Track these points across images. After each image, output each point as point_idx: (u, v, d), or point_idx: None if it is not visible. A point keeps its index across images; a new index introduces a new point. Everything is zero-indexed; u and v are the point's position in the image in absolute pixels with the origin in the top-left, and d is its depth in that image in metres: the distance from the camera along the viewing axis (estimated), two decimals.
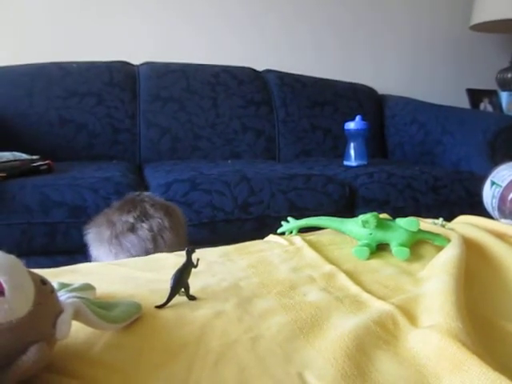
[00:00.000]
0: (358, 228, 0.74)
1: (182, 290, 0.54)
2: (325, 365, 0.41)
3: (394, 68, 2.54)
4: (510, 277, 0.65)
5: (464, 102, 2.42)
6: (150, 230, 0.97)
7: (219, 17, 2.25)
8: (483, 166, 1.68)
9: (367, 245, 0.71)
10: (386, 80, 2.46)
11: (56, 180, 1.32)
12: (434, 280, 0.57)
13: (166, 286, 0.52)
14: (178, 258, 0.66)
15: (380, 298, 0.55)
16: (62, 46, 2.04)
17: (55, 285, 0.45)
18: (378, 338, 0.46)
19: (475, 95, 2.46)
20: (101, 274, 0.64)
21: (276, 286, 0.59)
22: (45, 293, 0.38)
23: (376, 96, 2.31)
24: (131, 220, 0.97)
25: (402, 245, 0.70)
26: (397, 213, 0.91)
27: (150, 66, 2.01)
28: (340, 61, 2.44)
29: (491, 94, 2.48)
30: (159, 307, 0.52)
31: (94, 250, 0.97)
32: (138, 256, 0.92)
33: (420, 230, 0.72)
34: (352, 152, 1.78)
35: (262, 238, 0.82)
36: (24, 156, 1.41)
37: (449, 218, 0.90)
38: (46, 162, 1.41)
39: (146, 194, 1.06)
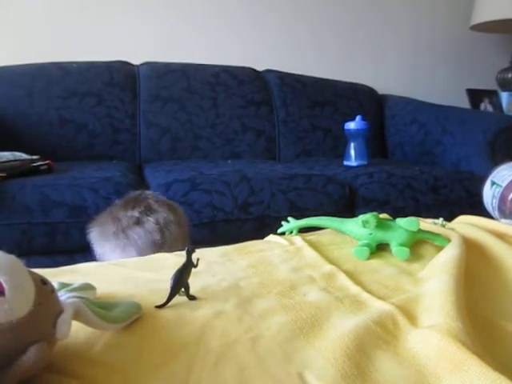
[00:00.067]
0: (358, 228, 0.74)
1: (182, 289, 0.54)
2: (325, 365, 0.41)
3: (394, 68, 2.54)
4: (511, 277, 0.65)
5: (464, 102, 2.42)
6: (156, 223, 0.97)
7: (219, 17, 2.25)
8: (483, 166, 1.68)
9: (367, 245, 0.71)
10: (386, 80, 2.47)
11: (56, 180, 1.32)
12: (434, 280, 0.57)
13: (166, 286, 0.52)
14: (177, 258, 0.66)
15: (380, 298, 0.55)
16: (61, 45, 2.04)
17: (55, 285, 0.45)
18: (378, 337, 0.46)
19: (475, 95, 2.46)
20: (100, 273, 0.64)
21: (276, 285, 0.59)
22: (45, 293, 0.38)
23: (376, 96, 2.31)
24: (136, 214, 0.97)
25: (402, 245, 0.70)
26: (397, 213, 0.91)
27: (150, 65, 2.01)
28: (340, 61, 2.44)
29: (491, 94, 2.48)
30: (159, 307, 0.52)
31: (99, 247, 0.97)
32: (146, 249, 0.92)
33: (420, 230, 0.72)
34: (352, 152, 1.78)
35: (262, 238, 0.82)
36: (24, 156, 1.41)
37: (449, 218, 0.90)
38: (46, 161, 1.41)
39: (147, 192, 1.06)
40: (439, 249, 0.70)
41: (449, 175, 1.68)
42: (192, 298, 0.54)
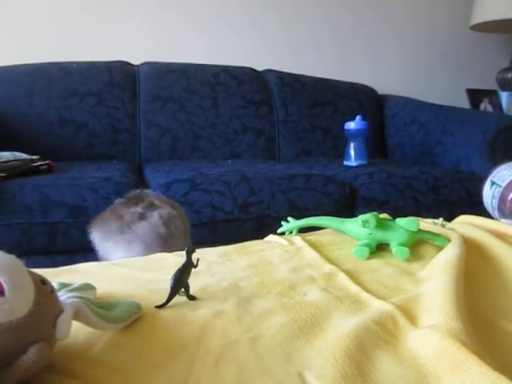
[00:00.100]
0: (358, 228, 0.74)
1: (182, 290, 0.54)
2: (325, 365, 0.41)
3: (394, 68, 2.54)
4: (510, 277, 0.65)
5: (464, 102, 2.42)
6: (161, 217, 0.97)
7: (219, 17, 2.25)
8: (483, 166, 1.68)
9: (367, 245, 0.71)
10: (386, 80, 2.47)
11: (56, 180, 1.32)
12: (434, 280, 0.57)
13: (166, 286, 0.52)
14: (177, 258, 0.66)
15: (380, 297, 0.55)
16: (61, 45, 2.04)
17: (55, 285, 0.45)
18: (377, 337, 0.46)
19: (475, 95, 2.46)
20: (100, 273, 0.64)
21: (276, 285, 0.59)
22: (45, 293, 0.38)
23: (376, 96, 2.31)
24: (140, 210, 0.97)
25: (401, 245, 0.70)
26: (397, 213, 0.91)
27: (150, 65, 2.01)
28: (340, 61, 2.44)
29: (491, 94, 2.48)
30: (159, 307, 0.52)
31: (102, 245, 0.96)
32: (152, 243, 0.92)
33: (420, 230, 0.72)
34: (352, 152, 1.78)
35: (262, 237, 0.82)
36: (24, 156, 1.41)
37: (449, 218, 0.90)
38: (46, 161, 1.41)
39: (147, 190, 1.06)
40: (439, 249, 0.70)
41: (449, 175, 1.68)
42: (192, 298, 0.54)
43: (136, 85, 1.94)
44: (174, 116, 1.93)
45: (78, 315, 0.41)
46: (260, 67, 2.17)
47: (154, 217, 0.96)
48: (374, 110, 2.24)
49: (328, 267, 0.65)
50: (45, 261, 1.23)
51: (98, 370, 0.41)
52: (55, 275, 0.59)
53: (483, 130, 1.80)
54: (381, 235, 0.72)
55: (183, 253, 0.55)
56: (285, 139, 2.06)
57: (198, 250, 0.57)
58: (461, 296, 0.52)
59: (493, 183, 0.94)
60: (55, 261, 1.25)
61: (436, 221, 0.87)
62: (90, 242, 0.99)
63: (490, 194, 0.94)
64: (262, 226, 1.40)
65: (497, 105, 2.45)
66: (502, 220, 0.89)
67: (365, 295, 0.56)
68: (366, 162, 1.76)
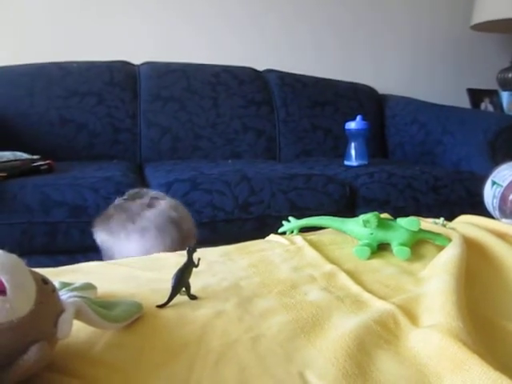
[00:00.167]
0: (359, 228, 0.73)
1: (183, 289, 0.54)
2: (326, 364, 0.41)
3: (394, 68, 2.54)
4: (511, 277, 0.65)
5: (464, 102, 2.42)
6: (169, 203, 0.97)
7: (219, 17, 2.25)
8: (484, 165, 1.68)
9: (368, 244, 0.71)
10: (387, 80, 2.47)
11: (56, 180, 1.32)
12: (435, 280, 0.57)
13: (167, 286, 0.52)
14: (178, 258, 0.66)
15: (381, 297, 0.55)
16: (62, 45, 2.04)
17: (56, 284, 0.45)
18: (378, 337, 0.46)
19: (476, 95, 2.46)
20: (101, 273, 0.64)
21: (277, 285, 0.59)
22: (46, 292, 0.38)
23: (376, 96, 2.31)
24: (146, 201, 0.97)
25: (402, 244, 0.70)
26: (397, 213, 0.91)
27: (151, 65, 2.01)
28: (340, 61, 2.44)
29: (492, 94, 2.48)
30: (160, 307, 0.52)
31: (112, 241, 0.94)
32: (165, 227, 0.91)
33: (421, 230, 0.72)
34: (352, 152, 1.78)
35: (263, 237, 0.82)
36: (24, 156, 1.41)
37: (449, 217, 0.90)
38: (47, 161, 1.41)
39: (145, 189, 1.06)
40: (440, 248, 0.70)
41: (449, 175, 1.68)
42: (193, 297, 0.54)
43: (136, 84, 1.94)
44: (174, 116, 1.93)
45: (79, 314, 0.41)
46: (260, 67, 2.17)
47: (162, 204, 0.97)
48: (375, 110, 2.24)
49: (329, 267, 0.65)
50: (46, 260, 1.23)
51: (99, 369, 0.41)
52: (56, 275, 0.59)
53: (484, 129, 1.80)
54: (382, 235, 0.72)
55: (184, 252, 0.55)
56: (285, 139, 2.06)
57: (198, 250, 0.57)
58: (462, 296, 0.52)
59: (493, 183, 0.94)
60: (56, 260, 1.25)
61: (437, 220, 0.87)
62: (90, 241, 0.99)
63: (490, 194, 0.94)
64: (262, 226, 1.40)
65: (497, 105, 2.45)
66: (503, 220, 0.89)
67: (366, 295, 0.56)
68: (366, 162, 1.76)
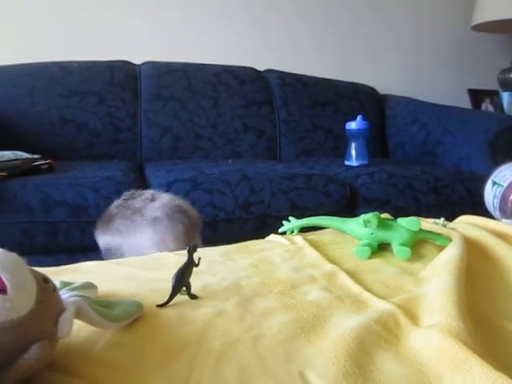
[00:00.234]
0: (360, 228, 0.73)
1: (184, 289, 0.54)
2: (326, 364, 0.41)
3: (394, 68, 2.54)
4: (511, 277, 0.65)
5: (465, 102, 2.42)
6: (169, 196, 0.97)
7: (220, 17, 2.25)
8: (484, 166, 1.68)
9: (368, 244, 0.71)
10: (387, 80, 2.46)
11: (57, 179, 1.32)
12: (436, 280, 0.57)
13: (168, 285, 0.52)
14: (179, 257, 0.66)
15: (381, 297, 0.55)
16: (62, 45, 2.04)
17: (57, 283, 0.45)
18: (379, 337, 0.46)
19: (476, 95, 2.46)
20: (102, 272, 0.65)
21: (277, 285, 0.59)
22: (47, 291, 0.38)
23: (377, 96, 2.31)
24: (147, 196, 0.97)
25: (403, 244, 0.70)
26: (398, 213, 0.91)
27: (151, 65, 2.01)
28: (340, 61, 2.44)
29: (492, 95, 2.48)
30: (161, 306, 0.52)
31: (120, 240, 0.93)
32: (174, 215, 0.92)
33: (421, 230, 0.72)
34: (353, 152, 1.78)
35: (263, 237, 0.83)
36: (25, 155, 1.41)
37: (450, 218, 0.90)
38: (47, 161, 1.41)
39: (140, 190, 1.06)
40: (440, 248, 0.70)
41: (450, 175, 1.68)
42: (193, 297, 0.54)
43: (137, 84, 1.94)
44: (175, 115, 1.93)
45: (79, 314, 0.41)
46: (260, 67, 2.17)
47: (164, 196, 0.97)
48: (375, 110, 2.24)
49: (329, 267, 0.65)
50: (46, 260, 1.23)
51: (100, 368, 0.41)
52: (57, 274, 0.60)
53: (484, 130, 1.79)
54: (382, 235, 0.72)
55: (184, 252, 0.55)
56: (286, 139, 2.06)
57: (199, 250, 0.57)
58: (462, 296, 0.52)
59: (494, 183, 0.94)
60: (57, 260, 1.25)
61: (437, 221, 0.87)
62: (91, 241, 0.99)
63: (491, 194, 0.94)
64: (262, 226, 1.40)
65: (498, 105, 2.45)
66: (504, 220, 0.89)
67: (366, 295, 0.56)
68: (366, 162, 1.76)
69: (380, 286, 0.59)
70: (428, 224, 0.83)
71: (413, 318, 0.50)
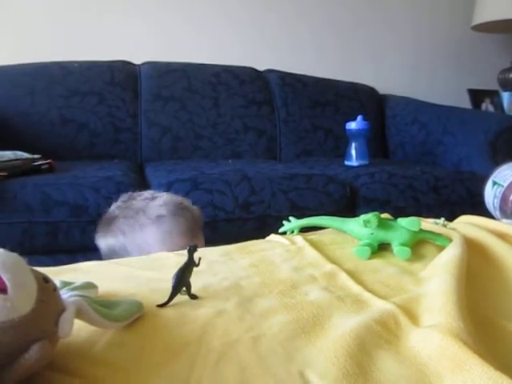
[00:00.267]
0: (360, 228, 0.73)
1: (184, 289, 0.54)
2: (326, 364, 0.41)
3: (394, 68, 2.54)
4: None
5: (465, 103, 2.42)
6: (169, 194, 0.98)
7: (220, 17, 2.25)
8: (484, 166, 1.68)
9: (368, 244, 0.71)
10: (387, 80, 2.47)
11: (57, 179, 1.32)
12: (436, 280, 0.57)
13: (168, 285, 0.52)
14: (179, 257, 0.67)
15: (381, 297, 0.55)
16: (62, 45, 2.04)
17: (57, 283, 0.45)
18: (379, 337, 0.46)
19: (476, 95, 2.46)
20: (102, 272, 0.65)
21: (277, 285, 0.59)
22: (47, 291, 0.38)
23: (377, 96, 2.31)
24: (147, 195, 0.97)
25: (403, 244, 0.70)
26: (398, 213, 0.91)
27: (152, 65, 2.01)
28: (340, 61, 2.44)
29: (493, 95, 2.48)
30: (161, 306, 0.52)
31: (123, 240, 0.93)
32: (177, 211, 0.93)
33: (421, 230, 0.72)
34: (353, 152, 1.78)
35: (263, 237, 0.82)
36: (25, 155, 1.41)
37: (450, 218, 0.90)
38: (48, 161, 1.41)
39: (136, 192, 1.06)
40: (440, 249, 0.70)
41: (450, 175, 1.68)
42: (193, 297, 0.54)
43: (137, 84, 1.94)
44: (175, 115, 1.93)
45: (80, 313, 0.41)
46: (260, 67, 2.17)
47: (164, 195, 0.97)
48: (375, 110, 2.24)
49: (329, 267, 0.65)
50: (47, 260, 1.23)
51: (100, 368, 0.41)
52: (57, 274, 0.60)
53: (484, 130, 1.79)
54: (382, 235, 0.72)
55: (185, 252, 0.55)
56: (286, 139, 2.06)
57: (199, 249, 0.57)
58: (462, 296, 0.52)
59: (494, 183, 0.94)
60: (57, 260, 1.25)
61: (437, 221, 0.87)
62: (91, 241, 0.99)
63: (491, 194, 0.94)
64: (263, 226, 1.40)
65: (498, 105, 2.45)
66: (504, 220, 0.89)
67: (366, 295, 0.56)
68: (367, 162, 1.76)
69: (380, 286, 0.59)
70: (428, 224, 0.83)
71: (413, 318, 0.50)
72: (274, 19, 2.33)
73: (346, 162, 1.79)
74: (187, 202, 1.02)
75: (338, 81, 2.25)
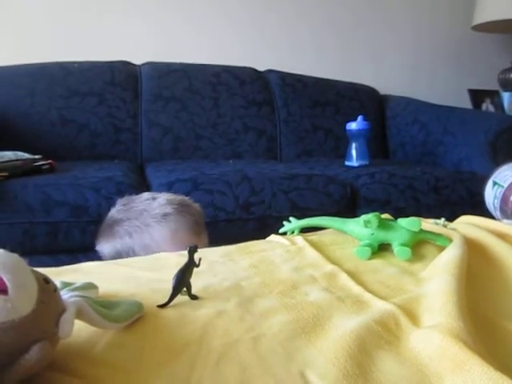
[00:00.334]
0: (360, 228, 0.73)
1: (184, 289, 0.54)
2: (326, 364, 0.42)
3: (394, 68, 2.54)
4: None
5: (465, 103, 2.42)
6: (168, 194, 0.98)
7: (220, 17, 2.25)
8: (485, 166, 1.68)
9: (369, 245, 0.71)
10: (387, 80, 2.46)
11: (58, 179, 1.32)
12: (436, 280, 0.57)
13: (168, 286, 0.52)
14: (179, 258, 0.67)
15: (382, 297, 0.55)
16: (62, 46, 2.04)
17: (58, 284, 0.45)
18: (379, 337, 0.46)
19: (477, 95, 2.46)
20: (102, 273, 0.65)
21: (278, 285, 0.59)
22: (48, 291, 0.38)
23: (377, 96, 2.31)
24: (147, 196, 0.97)
25: (403, 245, 0.70)
26: (398, 213, 0.91)
27: (152, 65, 2.01)
28: (340, 61, 2.44)
29: (493, 95, 2.48)
30: (161, 306, 0.52)
31: (130, 241, 0.93)
32: (181, 208, 0.93)
33: (422, 230, 0.72)
34: (353, 152, 1.78)
35: (264, 237, 0.83)
36: (26, 155, 1.41)
37: (450, 218, 0.90)
38: (48, 161, 1.42)
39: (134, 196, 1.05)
40: (441, 249, 0.70)
41: (450, 175, 1.68)
42: (194, 297, 0.54)
43: (138, 84, 1.94)
44: (175, 116, 1.93)
45: (80, 314, 0.41)
46: (260, 67, 2.17)
47: (165, 195, 0.97)
48: (376, 111, 2.24)
49: (330, 267, 0.65)
50: (47, 260, 1.23)
51: (100, 368, 0.41)
52: (58, 274, 0.60)
53: (485, 130, 1.79)
54: (382, 235, 0.72)
55: (185, 252, 0.55)
56: (286, 139, 2.06)
57: (199, 250, 0.57)
58: (462, 296, 0.52)
59: (495, 183, 0.94)
60: (58, 260, 1.25)
61: (438, 221, 0.87)
62: (91, 241, 0.99)
63: (491, 195, 0.94)
64: (263, 226, 1.40)
65: (498, 105, 2.45)
66: (504, 220, 0.89)
67: (366, 295, 0.56)
68: (367, 163, 1.76)
69: (380, 287, 0.60)
70: (428, 224, 0.83)
71: (413, 318, 0.50)
72: (274, 19, 2.33)
73: (347, 163, 1.79)
74: (188, 199, 1.02)
75: (338, 81, 2.25)
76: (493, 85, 2.50)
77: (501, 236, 0.76)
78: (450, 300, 0.50)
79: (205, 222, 1.34)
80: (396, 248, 0.70)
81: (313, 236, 0.81)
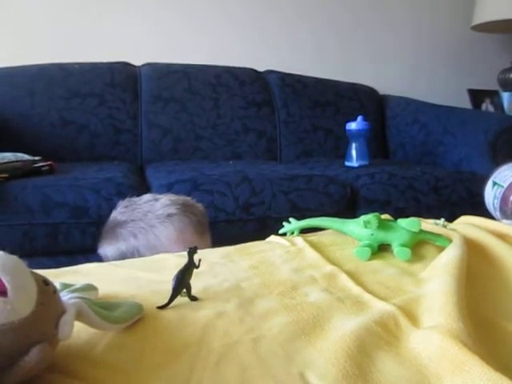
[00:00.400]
0: (360, 229, 0.73)
1: (184, 290, 0.54)
2: (326, 365, 0.42)
3: (394, 68, 2.54)
4: None
5: (465, 103, 2.42)
6: (169, 195, 0.98)
7: (220, 17, 2.25)
8: (485, 166, 1.68)
9: (369, 245, 0.71)
10: (387, 80, 2.47)
11: (58, 181, 1.32)
12: (436, 281, 0.57)
13: (168, 287, 0.52)
14: (179, 259, 0.67)
15: (381, 298, 0.55)
16: (62, 46, 2.04)
17: (57, 285, 0.45)
18: (379, 338, 0.46)
19: (477, 95, 2.46)
20: (102, 274, 0.65)
21: (277, 286, 0.59)
22: (47, 293, 0.38)
23: (377, 96, 2.31)
24: (149, 198, 0.97)
25: (403, 245, 0.70)
26: (398, 213, 0.91)
27: (152, 66, 2.01)
28: (340, 61, 2.44)
29: (493, 95, 2.48)
30: (161, 308, 0.52)
31: (134, 241, 0.92)
32: (185, 207, 0.94)
33: (421, 231, 0.72)
34: (353, 152, 1.78)
35: (264, 238, 0.83)
36: (26, 157, 1.41)
37: (450, 218, 0.90)
38: (48, 162, 1.42)
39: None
40: (441, 249, 0.70)
41: (450, 176, 1.68)
42: (194, 298, 0.54)
43: (137, 86, 1.94)
44: (175, 117, 1.93)
45: (80, 316, 0.41)
46: (260, 68, 2.17)
47: (164, 198, 0.97)
48: (376, 111, 2.24)
49: (329, 268, 0.65)
50: (47, 261, 1.23)
51: (100, 370, 0.41)
52: (57, 276, 0.59)
53: (485, 130, 1.79)
54: (382, 236, 0.72)
55: (185, 253, 0.55)
56: (286, 140, 2.06)
57: (199, 251, 0.57)
58: (462, 297, 0.52)
59: (494, 184, 0.94)
60: (57, 261, 1.25)
61: (437, 221, 0.87)
62: (91, 242, 0.98)
63: (491, 195, 0.94)
64: (263, 227, 1.40)
65: (498, 105, 2.45)
66: (504, 221, 0.89)
67: (366, 296, 0.56)
68: (367, 163, 1.76)
69: (380, 287, 0.60)
70: (428, 225, 0.83)
71: (413, 319, 0.50)
72: (274, 19, 2.33)
73: (347, 163, 1.79)
74: (191, 199, 1.02)
75: (338, 81, 2.25)
76: (492, 85, 2.50)
77: (501, 236, 0.76)
78: (449, 300, 0.50)
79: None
80: (396, 248, 0.70)
81: (313, 237, 0.81)
